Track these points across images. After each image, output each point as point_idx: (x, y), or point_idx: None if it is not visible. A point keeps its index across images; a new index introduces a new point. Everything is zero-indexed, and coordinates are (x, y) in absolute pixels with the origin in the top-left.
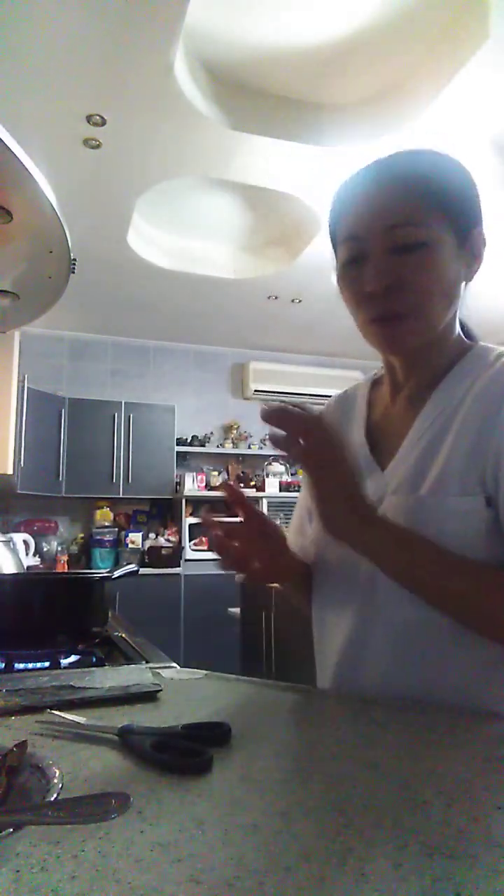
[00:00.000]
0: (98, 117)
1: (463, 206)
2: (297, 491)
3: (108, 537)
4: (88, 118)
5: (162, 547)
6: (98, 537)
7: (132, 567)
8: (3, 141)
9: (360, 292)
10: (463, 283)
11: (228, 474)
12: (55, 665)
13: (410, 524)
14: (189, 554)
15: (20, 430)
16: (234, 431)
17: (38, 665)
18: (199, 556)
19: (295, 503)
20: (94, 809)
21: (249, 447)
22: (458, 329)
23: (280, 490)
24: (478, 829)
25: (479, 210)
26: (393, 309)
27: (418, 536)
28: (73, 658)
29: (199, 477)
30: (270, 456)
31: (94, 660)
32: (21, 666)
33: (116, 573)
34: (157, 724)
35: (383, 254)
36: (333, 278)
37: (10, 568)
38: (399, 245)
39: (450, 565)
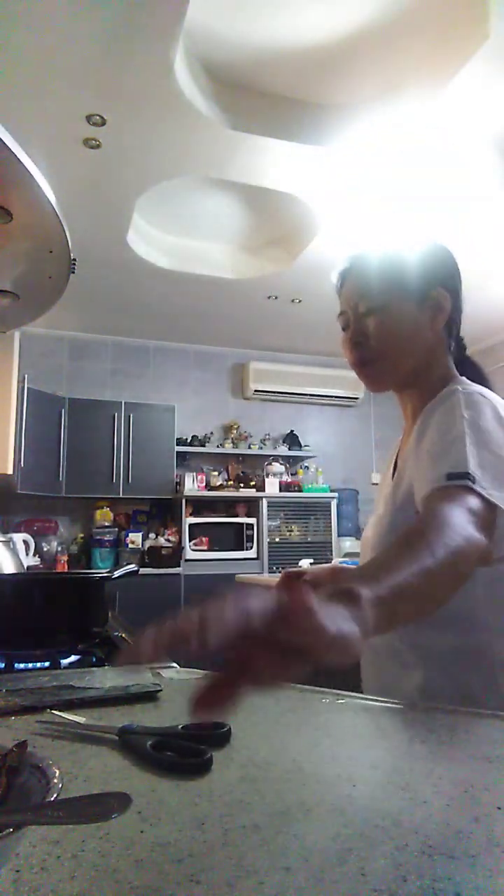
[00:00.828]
0: (98, 117)
1: (416, 279)
2: (298, 490)
3: (108, 537)
4: (88, 118)
5: (162, 547)
6: (98, 537)
7: (132, 567)
8: (3, 141)
9: (346, 346)
10: (441, 331)
11: (228, 474)
12: (55, 665)
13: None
14: (189, 554)
15: (20, 430)
16: (234, 431)
17: (38, 665)
18: (199, 556)
19: (295, 502)
20: (94, 809)
21: (249, 447)
22: (446, 370)
23: (280, 490)
24: (478, 829)
25: (440, 277)
26: (363, 356)
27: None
28: (73, 658)
29: (199, 477)
30: (270, 456)
31: (94, 660)
32: (21, 666)
33: (116, 573)
34: (157, 724)
35: (356, 319)
36: (333, 279)
37: (10, 568)
38: (364, 312)
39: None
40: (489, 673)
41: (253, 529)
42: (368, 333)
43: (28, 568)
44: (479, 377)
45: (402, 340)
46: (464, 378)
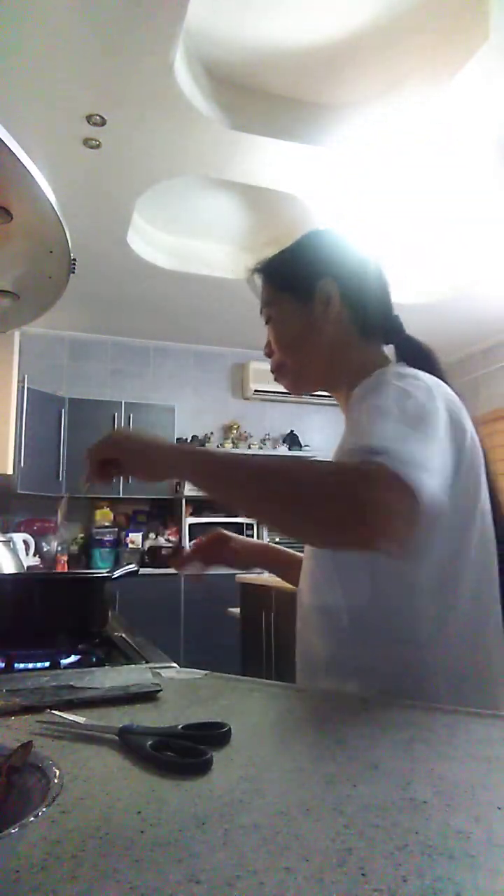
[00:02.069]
0: (98, 117)
1: (291, 276)
2: None
3: (108, 537)
4: (88, 118)
5: (162, 547)
6: (98, 537)
7: (132, 567)
8: (3, 141)
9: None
10: (342, 320)
11: None
12: (55, 665)
13: None
14: None
15: (20, 430)
16: (234, 431)
17: (38, 665)
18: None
19: None
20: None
21: (249, 447)
22: (368, 357)
23: None
24: (478, 829)
25: (322, 266)
26: (272, 364)
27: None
28: (73, 658)
29: None
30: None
31: (94, 660)
32: (21, 666)
33: (116, 573)
34: (157, 724)
35: (267, 329)
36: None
37: (10, 568)
38: (266, 321)
39: (268, 463)
40: (432, 690)
41: (253, 529)
42: (271, 341)
43: (28, 568)
44: (421, 356)
45: (299, 342)
46: (394, 362)
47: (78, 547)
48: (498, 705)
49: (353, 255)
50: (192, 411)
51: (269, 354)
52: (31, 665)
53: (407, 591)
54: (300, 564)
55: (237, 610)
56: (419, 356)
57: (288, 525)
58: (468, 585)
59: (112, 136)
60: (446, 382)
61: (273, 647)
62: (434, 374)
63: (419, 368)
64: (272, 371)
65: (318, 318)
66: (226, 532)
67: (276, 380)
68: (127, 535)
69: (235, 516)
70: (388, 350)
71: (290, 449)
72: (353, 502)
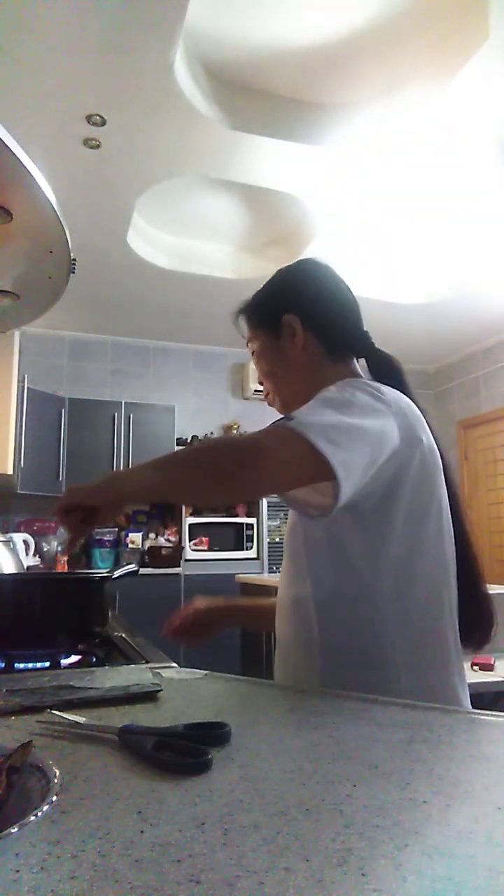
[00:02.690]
0: (98, 117)
1: (262, 315)
2: None
3: (108, 537)
4: (88, 118)
5: (162, 547)
6: (98, 537)
7: (132, 567)
8: (3, 141)
9: None
10: (310, 347)
11: None
12: (55, 665)
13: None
14: (189, 554)
15: (20, 430)
16: (234, 431)
17: (38, 665)
18: (199, 556)
19: None
20: None
21: None
22: (338, 377)
23: None
24: (478, 829)
25: (285, 302)
26: (264, 395)
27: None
28: (73, 658)
29: None
30: None
31: (94, 660)
32: (21, 666)
33: (116, 573)
34: (157, 724)
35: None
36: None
37: (10, 568)
38: (252, 354)
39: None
40: (392, 673)
41: (253, 529)
42: (259, 373)
43: (28, 568)
44: (389, 367)
45: (278, 371)
46: (364, 377)
47: (78, 547)
48: (450, 682)
49: (312, 286)
50: (192, 411)
51: (262, 385)
52: (31, 665)
53: (366, 583)
54: (265, 612)
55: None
56: (387, 367)
57: (205, 488)
58: (424, 579)
59: (112, 136)
60: (410, 395)
61: (273, 647)
62: (400, 386)
63: (386, 379)
64: (265, 398)
65: (288, 348)
66: (199, 608)
67: (271, 405)
68: (127, 535)
69: (235, 516)
70: (361, 364)
71: None
72: (245, 451)
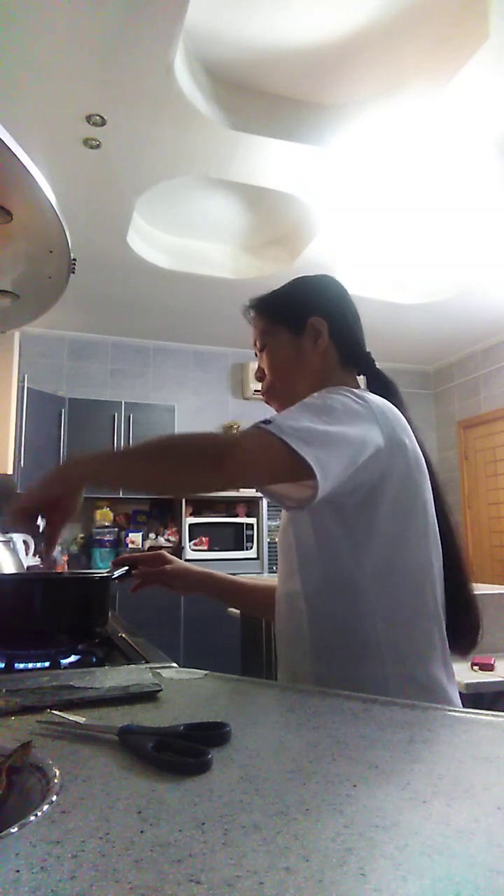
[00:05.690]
0: (98, 117)
1: (287, 312)
2: None
3: (108, 537)
4: (88, 118)
5: (162, 547)
6: (98, 537)
7: None
8: (3, 141)
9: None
10: (326, 352)
11: None
12: (55, 665)
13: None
14: (189, 554)
15: (20, 430)
16: (234, 431)
17: (38, 665)
18: (199, 556)
19: None
20: None
21: None
22: (334, 379)
23: None
24: (478, 829)
25: (316, 306)
26: (264, 387)
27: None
28: (73, 658)
29: None
30: None
31: (94, 660)
32: (21, 666)
33: (116, 573)
34: (157, 724)
35: (258, 356)
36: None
37: (10, 568)
38: (260, 348)
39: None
40: (379, 667)
41: (253, 529)
42: (264, 367)
43: (28, 568)
44: (386, 386)
45: (290, 367)
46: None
47: (78, 547)
48: (436, 676)
49: (339, 299)
50: (192, 411)
51: (260, 378)
52: (31, 665)
53: (350, 578)
54: (246, 590)
55: (237, 610)
56: (384, 386)
57: (174, 478)
58: (407, 576)
59: (112, 136)
60: (404, 412)
61: (273, 647)
62: (394, 403)
63: (382, 396)
64: (263, 393)
65: (307, 348)
66: (165, 554)
67: (266, 401)
68: (127, 535)
69: (235, 516)
70: (361, 381)
71: None
72: (220, 448)
